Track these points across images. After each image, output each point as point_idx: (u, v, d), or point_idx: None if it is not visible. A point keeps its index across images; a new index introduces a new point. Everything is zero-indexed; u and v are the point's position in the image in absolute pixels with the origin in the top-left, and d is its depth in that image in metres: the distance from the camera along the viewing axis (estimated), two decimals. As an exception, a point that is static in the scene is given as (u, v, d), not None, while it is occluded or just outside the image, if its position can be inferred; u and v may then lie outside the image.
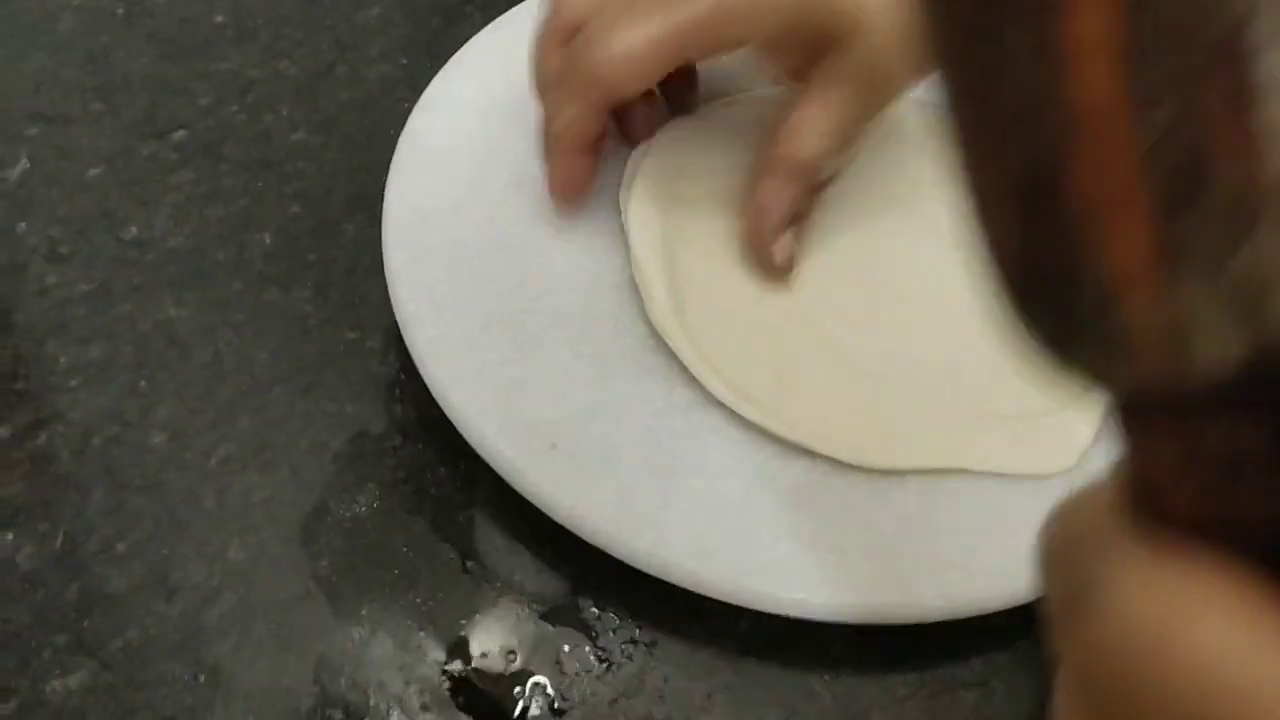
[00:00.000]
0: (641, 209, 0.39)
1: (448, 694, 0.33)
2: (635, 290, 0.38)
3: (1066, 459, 0.35)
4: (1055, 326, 0.15)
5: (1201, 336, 0.13)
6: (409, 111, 0.42)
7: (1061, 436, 0.36)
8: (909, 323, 0.38)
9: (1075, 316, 0.14)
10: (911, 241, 0.40)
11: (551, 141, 0.37)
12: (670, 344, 0.36)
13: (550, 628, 0.34)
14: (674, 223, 0.39)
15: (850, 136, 0.36)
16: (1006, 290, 0.15)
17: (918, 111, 0.42)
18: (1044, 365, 0.16)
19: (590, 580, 0.35)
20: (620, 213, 0.39)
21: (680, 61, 0.36)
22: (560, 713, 0.32)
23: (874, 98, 0.36)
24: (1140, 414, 0.16)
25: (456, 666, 0.33)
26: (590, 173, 0.38)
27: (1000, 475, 0.35)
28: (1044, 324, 0.15)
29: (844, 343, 0.37)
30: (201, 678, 0.32)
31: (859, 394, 0.36)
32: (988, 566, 0.33)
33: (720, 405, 0.35)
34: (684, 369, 0.36)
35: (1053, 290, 0.15)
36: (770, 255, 0.37)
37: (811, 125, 0.36)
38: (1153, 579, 0.16)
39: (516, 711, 0.33)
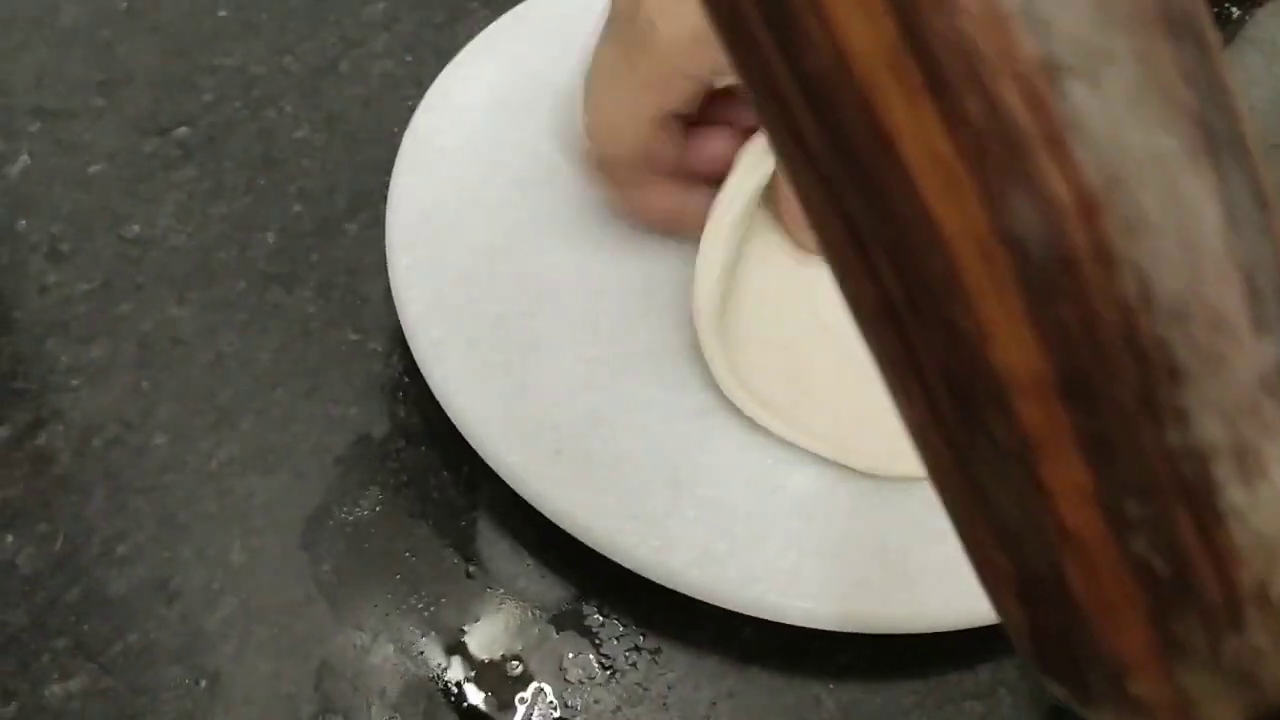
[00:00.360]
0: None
1: (451, 700, 0.32)
2: (643, 295, 0.37)
3: None
4: (1072, 690, 0.16)
5: (1206, 706, 0.15)
6: (412, 109, 0.42)
7: None
8: None
9: (1089, 687, 0.16)
10: None
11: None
12: (702, 342, 0.35)
13: (554, 634, 0.34)
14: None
15: None
16: (1024, 656, 0.17)
17: None
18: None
19: (594, 586, 0.34)
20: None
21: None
22: (564, 719, 0.32)
23: None
24: None
25: (459, 672, 0.33)
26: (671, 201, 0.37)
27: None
28: (1062, 687, 0.17)
29: (859, 350, 0.37)
30: (202, 683, 0.32)
31: (872, 401, 0.36)
32: (995, 576, 0.33)
33: (728, 412, 0.35)
34: (691, 376, 0.36)
35: (1066, 666, 0.16)
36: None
37: None
38: None
39: (519, 718, 0.32)
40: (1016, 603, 0.16)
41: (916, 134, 0.13)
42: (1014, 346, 0.14)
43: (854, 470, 0.34)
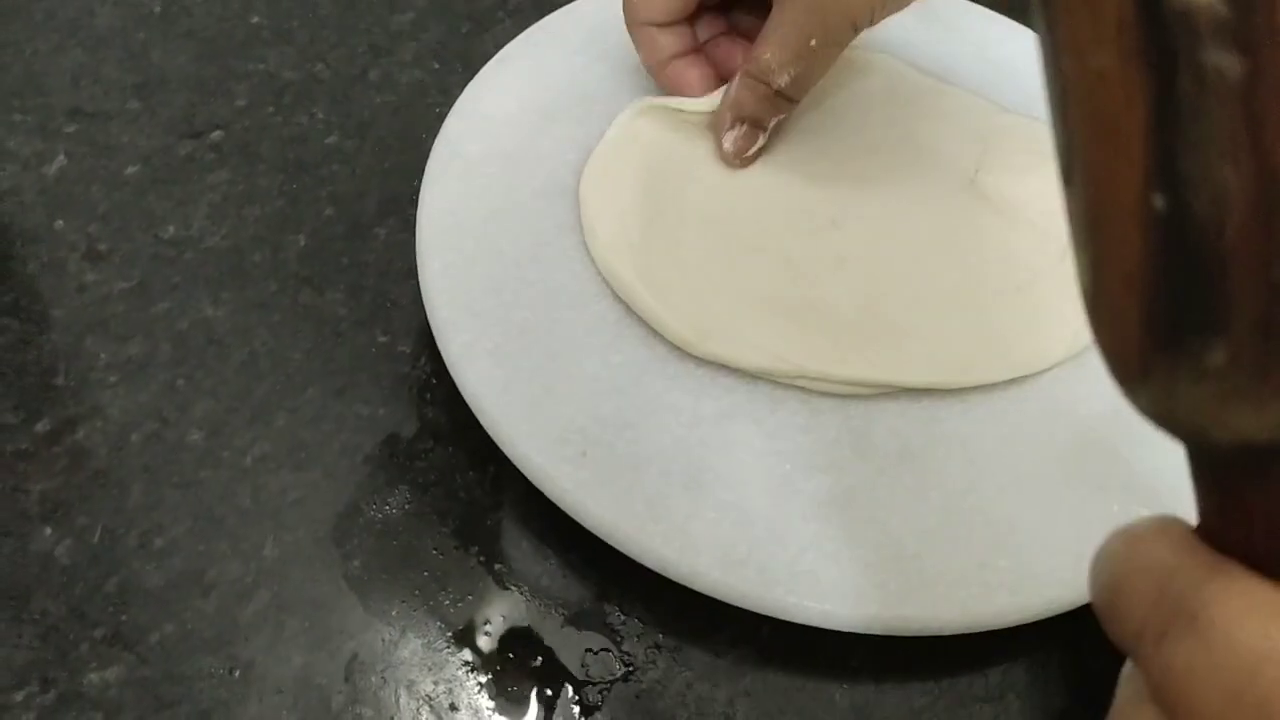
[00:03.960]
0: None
1: (475, 694, 0.33)
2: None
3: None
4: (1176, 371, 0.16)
5: None
6: (440, 117, 0.43)
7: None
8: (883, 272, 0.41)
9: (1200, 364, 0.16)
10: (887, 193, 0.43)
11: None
12: (614, 285, 0.39)
13: (576, 632, 0.35)
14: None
15: (802, 52, 0.40)
16: (1130, 323, 0.17)
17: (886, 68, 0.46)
18: (1151, 409, 0.17)
19: (616, 586, 0.35)
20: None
21: None
22: (585, 715, 0.33)
23: (823, 18, 0.39)
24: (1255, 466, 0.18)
25: (484, 666, 0.34)
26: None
27: (1020, 494, 0.36)
28: (1166, 370, 0.17)
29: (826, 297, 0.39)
30: (236, 672, 0.33)
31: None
32: (1006, 582, 0.34)
33: (748, 418, 0.36)
34: (713, 382, 0.37)
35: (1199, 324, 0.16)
36: (720, 142, 0.42)
37: (768, 36, 0.40)
38: (1257, 602, 0.18)
39: (542, 713, 0.33)
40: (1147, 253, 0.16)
41: None
42: None
43: (868, 478, 0.35)
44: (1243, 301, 0.15)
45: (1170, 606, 0.19)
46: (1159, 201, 0.16)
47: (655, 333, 0.38)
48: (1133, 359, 0.17)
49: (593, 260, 0.39)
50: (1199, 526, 0.20)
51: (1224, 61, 0.15)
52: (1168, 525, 0.20)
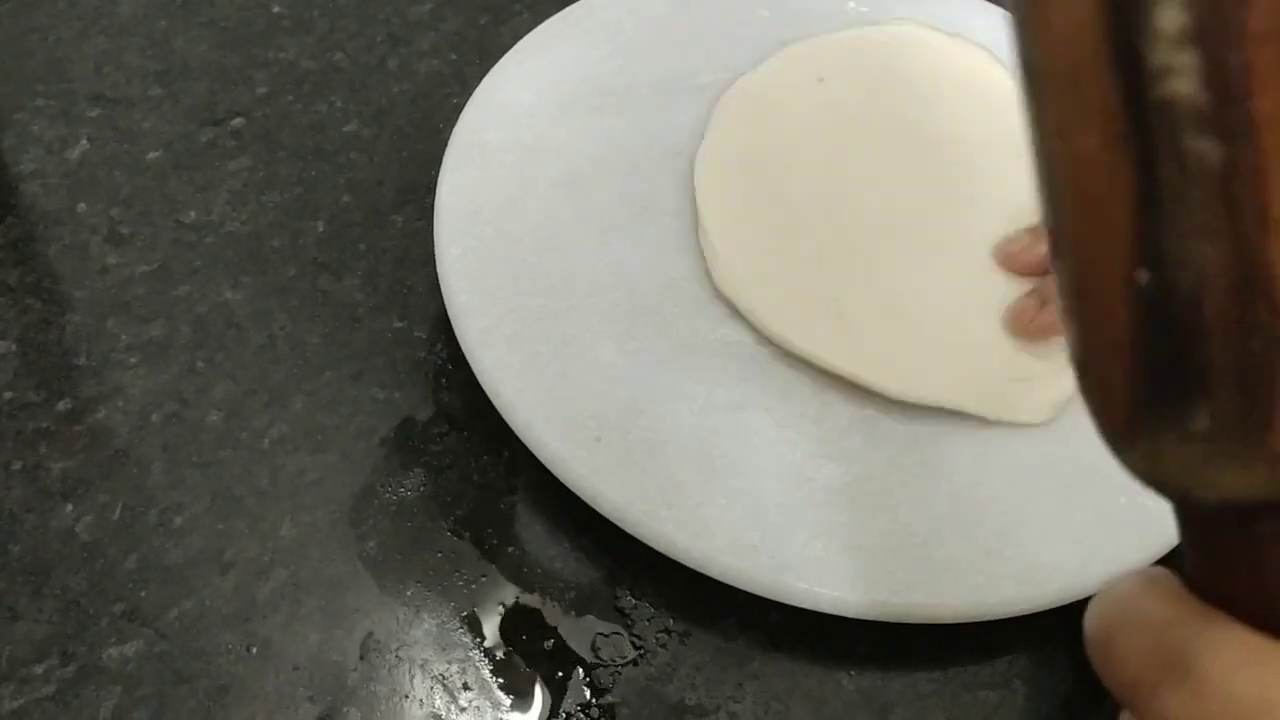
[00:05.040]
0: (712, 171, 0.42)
1: (488, 674, 0.34)
2: (682, 287, 0.39)
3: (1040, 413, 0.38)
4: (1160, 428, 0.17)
5: None
6: (458, 106, 0.43)
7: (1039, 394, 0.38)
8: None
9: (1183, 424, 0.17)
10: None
11: None
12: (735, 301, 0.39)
13: (588, 614, 0.35)
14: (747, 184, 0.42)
15: None
16: (1117, 389, 0.18)
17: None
18: (1139, 470, 0.18)
19: (628, 570, 0.36)
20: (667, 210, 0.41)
21: None
22: (595, 696, 0.34)
23: None
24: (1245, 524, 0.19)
25: (496, 647, 0.34)
26: None
27: (1029, 484, 0.36)
28: (1150, 429, 0.18)
29: (905, 300, 0.40)
30: (253, 649, 0.33)
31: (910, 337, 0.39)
32: (1014, 571, 0.34)
33: (761, 407, 0.36)
34: (727, 370, 0.37)
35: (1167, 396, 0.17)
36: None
37: None
38: (1250, 652, 0.18)
39: (553, 695, 0.34)
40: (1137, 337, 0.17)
41: None
42: None
43: (878, 466, 0.36)
44: (1223, 370, 0.16)
45: (1164, 658, 0.19)
46: (1143, 277, 0.17)
47: (669, 321, 0.38)
48: (1120, 423, 0.18)
49: (609, 245, 0.40)
50: (1187, 578, 0.20)
51: (1204, 148, 0.16)
52: (1158, 578, 0.21)
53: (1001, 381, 0.38)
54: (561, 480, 0.35)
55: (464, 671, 0.34)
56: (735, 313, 0.39)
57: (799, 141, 0.43)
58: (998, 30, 0.48)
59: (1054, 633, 0.35)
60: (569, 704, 0.33)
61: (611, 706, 0.34)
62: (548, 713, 0.33)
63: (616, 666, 0.34)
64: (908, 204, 0.42)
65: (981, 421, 0.37)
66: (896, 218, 0.41)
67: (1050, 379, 0.38)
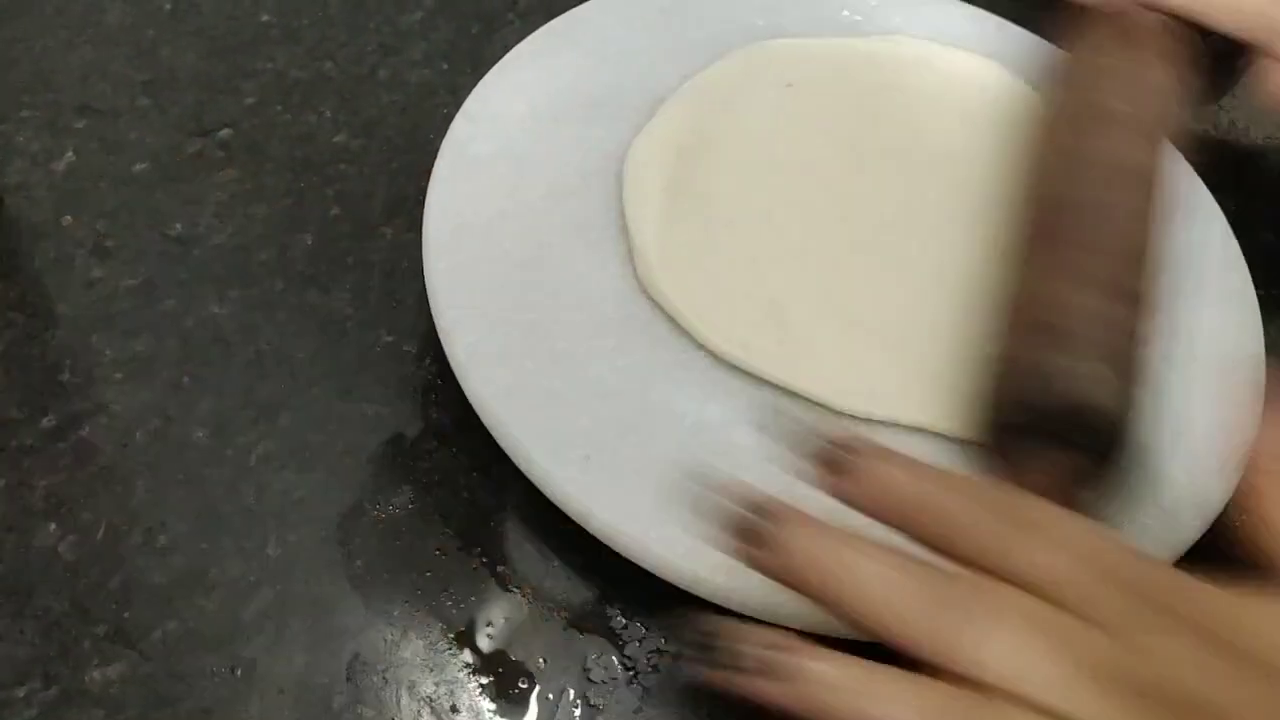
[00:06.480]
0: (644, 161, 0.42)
1: (477, 695, 0.33)
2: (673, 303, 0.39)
3: None
4: None
5: None
6: (448, 117, 0.43)
7: None
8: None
9: None
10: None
11: None
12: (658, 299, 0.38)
13: (578, 634, 0.35)
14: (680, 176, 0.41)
15: None
16: None
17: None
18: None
19: (618, 589, 0.35)
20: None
21: None
22: (586, 718, 0.33)
23: None
24: None
25: (486, 668, 0.34)
26: None
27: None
28: None
29: (850, 304, 0.39)
30: (238, 671, 0.33)
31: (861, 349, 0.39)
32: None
33: (752, 424, 0.36)
34: (718, 387, 0.37)
35: None
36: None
37: None
38: None
39: (543, 715, 0.33)
40: None
41: None
42: None
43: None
44: None
45: None
46: None
47: (660, 337, 0.38)
48: None
49: (598, 259, 0.39)
50: None
51: None
52: None
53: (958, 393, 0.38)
54: (551, 499, 0.35)
55: (452, 693, 0.33)
56: (726, 328, 0.38)
57: (751, 140, 0.43)
58: (992, 42, 0.48)
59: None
60: (559, 726, 0.33)
61: (602, 729, 0.33)
62: (537, 735, 0.33)
63: (607, 687, 0.34)
64: (864, 214, 0.42)
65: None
66: (852, 227, 0.41)
67: None
